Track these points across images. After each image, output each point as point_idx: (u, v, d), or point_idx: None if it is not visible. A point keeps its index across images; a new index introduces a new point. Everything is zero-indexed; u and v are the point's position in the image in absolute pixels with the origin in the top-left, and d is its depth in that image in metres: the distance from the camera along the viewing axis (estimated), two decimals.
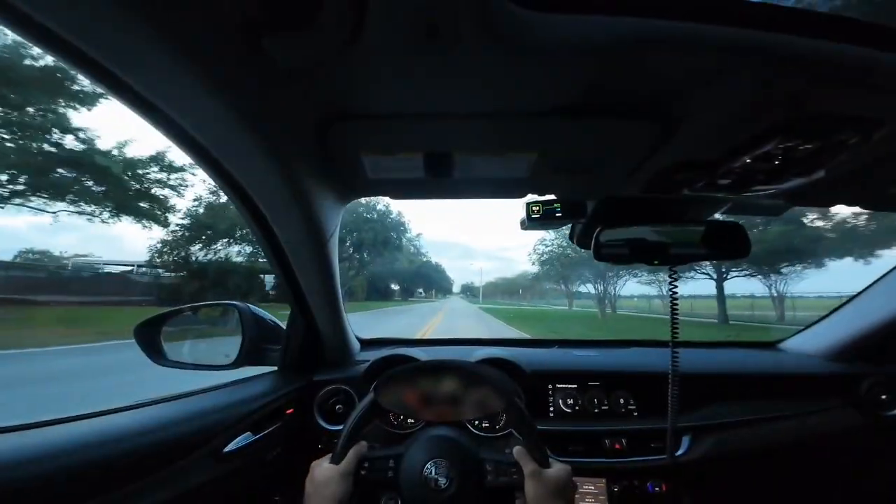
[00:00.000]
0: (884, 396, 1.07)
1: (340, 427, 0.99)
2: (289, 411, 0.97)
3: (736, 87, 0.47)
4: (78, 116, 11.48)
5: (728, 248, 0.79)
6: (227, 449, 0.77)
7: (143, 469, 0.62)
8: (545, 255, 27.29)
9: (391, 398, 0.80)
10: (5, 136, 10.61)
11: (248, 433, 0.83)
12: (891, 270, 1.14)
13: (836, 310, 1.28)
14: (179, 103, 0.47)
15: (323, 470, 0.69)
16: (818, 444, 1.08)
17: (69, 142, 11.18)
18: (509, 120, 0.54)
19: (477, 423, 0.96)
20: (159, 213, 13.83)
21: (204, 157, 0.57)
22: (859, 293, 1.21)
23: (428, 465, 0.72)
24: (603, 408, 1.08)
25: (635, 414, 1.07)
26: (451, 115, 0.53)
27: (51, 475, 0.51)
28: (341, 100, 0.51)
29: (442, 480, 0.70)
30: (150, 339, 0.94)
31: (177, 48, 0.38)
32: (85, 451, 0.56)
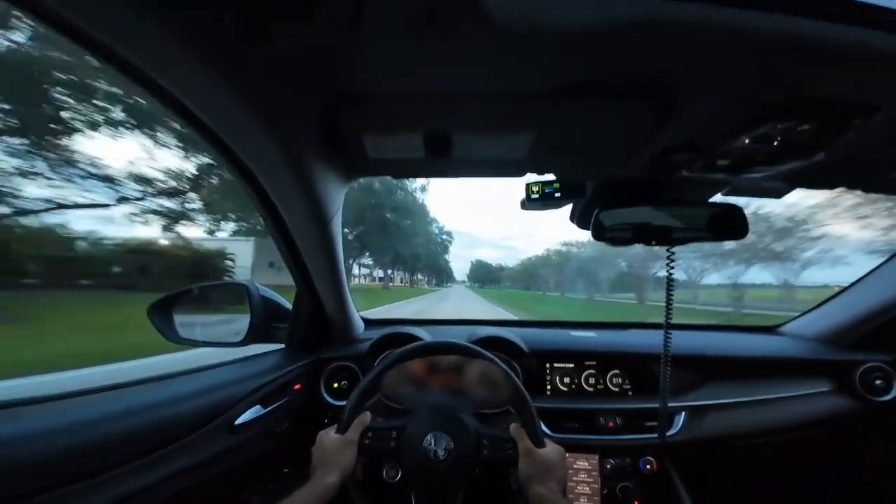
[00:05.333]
0: (877, 382, 1.08)
1: (346, 402, 1.03)
2: (296, 387, 1.00)
3: (735, 68, 0.47)
4: None
5: (726, 229, 0.79)
6: (238, 421, 0.80)
7: (164, 439, 0.65)
8: None
9: (396, 373, 0.83)
10: None
11: (258, 406, 0.86)
12: (890, 258, 1.13)
13: (835, 295, 1.28)
14: (187, 85, 0.48)
15: (328, 439, 0.73)
16: (809, 427, 1.09)
17: None
18: (507, 100, 0.55)
19: (476, 400, 1.00)
20: None
21: (212, 139, 0.58)
22: (858, 280, 1.21)
23: (428, 438, 0.74)
24: (598, 387, 1.10)
25: (630, 393, 1.09)
26: (450, 95, 0.54)
27: (76, 446, 0.53)
28: (343, 81, 0.52)
29: (440, 452, 0.72)
30: (162, 318, 0.96)
31: (185, 33, 0.39)
32: (110, 423, 0.58)
